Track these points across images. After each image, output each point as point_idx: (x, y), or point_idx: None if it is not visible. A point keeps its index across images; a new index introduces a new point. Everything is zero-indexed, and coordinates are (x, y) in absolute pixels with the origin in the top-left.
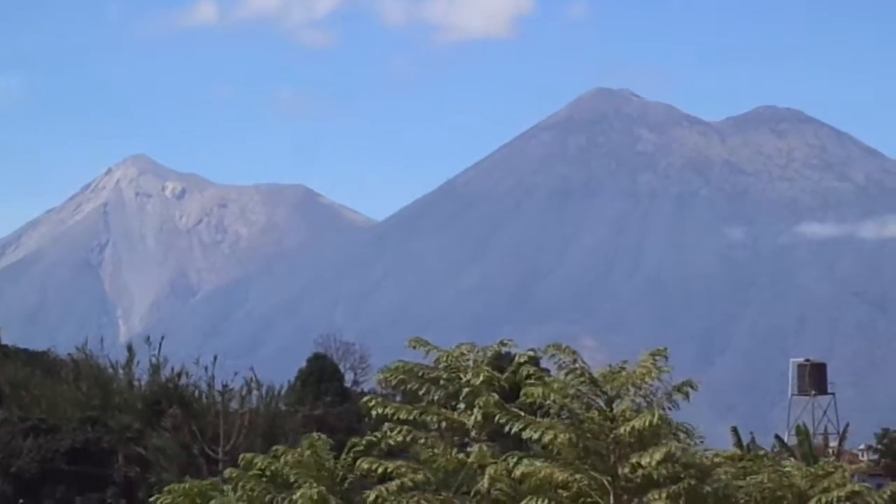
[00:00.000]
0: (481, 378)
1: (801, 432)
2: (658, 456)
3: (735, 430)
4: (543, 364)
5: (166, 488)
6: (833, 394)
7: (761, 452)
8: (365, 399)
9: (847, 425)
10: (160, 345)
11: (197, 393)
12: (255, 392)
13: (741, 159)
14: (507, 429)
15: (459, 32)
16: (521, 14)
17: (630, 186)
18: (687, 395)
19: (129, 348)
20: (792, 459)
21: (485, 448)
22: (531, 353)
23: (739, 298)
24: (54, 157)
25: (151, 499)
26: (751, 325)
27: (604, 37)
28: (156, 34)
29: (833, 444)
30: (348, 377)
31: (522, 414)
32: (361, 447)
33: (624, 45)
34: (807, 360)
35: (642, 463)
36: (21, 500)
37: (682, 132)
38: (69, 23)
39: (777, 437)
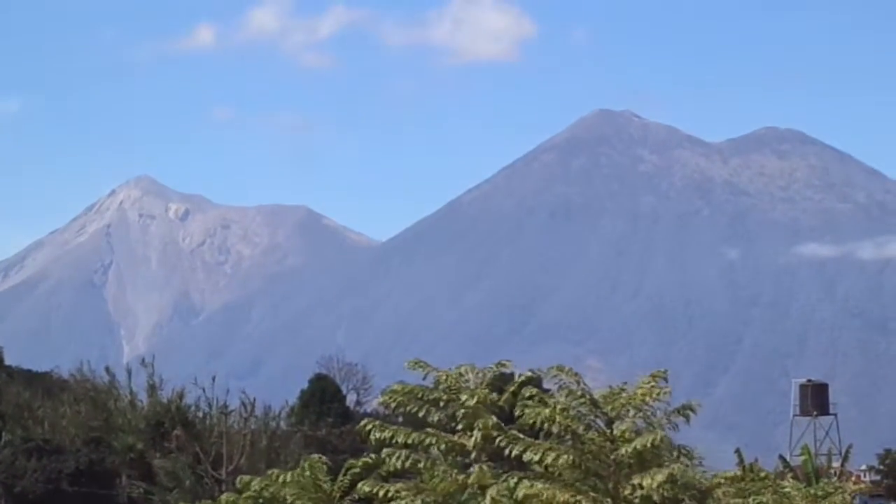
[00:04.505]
0: (476, 400)
1: (806, 452)
2: (660, 478)
3: (738, 452)
4: (545, 385)
5: None
6: (835, 414)
7: (762, 473)
8: (363, 423)
9: (850, 446)
10: (152, 365)
11: (200, 414)
12: (253, 414)
13: (742, 180)
14: (507, 451)
15: (462, 56)
16: (523, 37)
17: (632, 207)
18: (687, 417)
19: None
20: (791, 480)
21: (485, 469)
22: (531, 374)
23: (741, 319)
24: (57, 179)
25: None
26: (752, 346)
27: (605, 59)
28: (155, 58)
29: (836, 464)
30: (351, 398)
31: (521, 436)
32: (358, 469)
33: (626, 67)
34: (808, 381)
35: (643, 485)
36: None
37: (683, 153)
38: (69, 47)
39: (781, 457)
